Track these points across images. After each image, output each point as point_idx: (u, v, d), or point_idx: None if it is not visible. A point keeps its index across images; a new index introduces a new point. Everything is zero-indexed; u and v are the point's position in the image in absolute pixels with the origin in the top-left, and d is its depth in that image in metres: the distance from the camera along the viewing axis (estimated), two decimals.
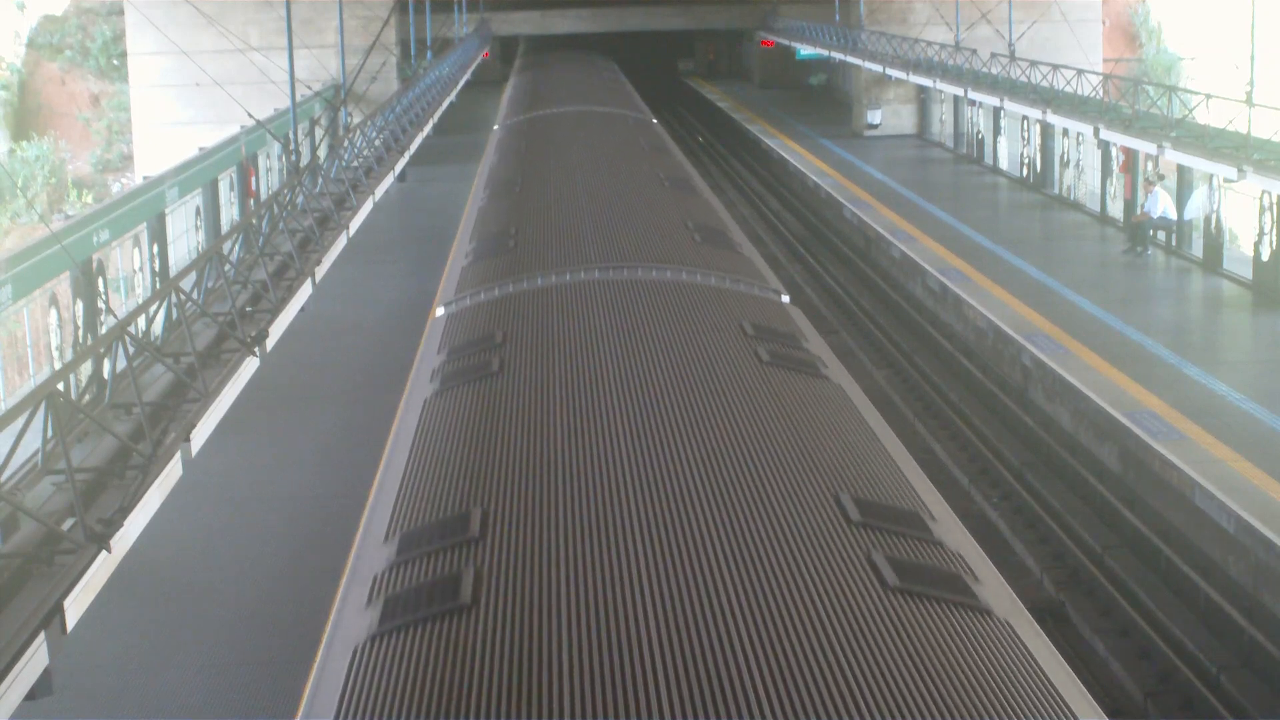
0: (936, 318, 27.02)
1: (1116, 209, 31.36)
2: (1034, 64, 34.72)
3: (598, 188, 17.52)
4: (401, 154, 26.85)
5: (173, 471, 9.42)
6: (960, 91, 37.72)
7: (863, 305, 29.46)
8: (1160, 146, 26.10)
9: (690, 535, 6.35)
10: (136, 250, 24.84)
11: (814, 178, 39.02)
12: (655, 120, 30.96)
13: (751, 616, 5.60)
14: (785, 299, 12.64)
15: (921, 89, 45.30)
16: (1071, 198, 34.21)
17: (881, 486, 7.51)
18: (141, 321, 11.85)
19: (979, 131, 41.19)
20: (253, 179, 34.05)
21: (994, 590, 6.60)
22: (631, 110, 30.97)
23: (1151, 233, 28.28)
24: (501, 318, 11.10)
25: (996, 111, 37.97)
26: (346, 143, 24.35)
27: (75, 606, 7.36)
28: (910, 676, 5.23)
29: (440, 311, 12.30)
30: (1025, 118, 35.81)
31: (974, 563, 6.86)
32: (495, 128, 29.85)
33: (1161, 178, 28.77)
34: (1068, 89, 32.64)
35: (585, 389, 8.72)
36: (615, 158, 21.16)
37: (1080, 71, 32.88)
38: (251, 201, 32.86)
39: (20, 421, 7.98)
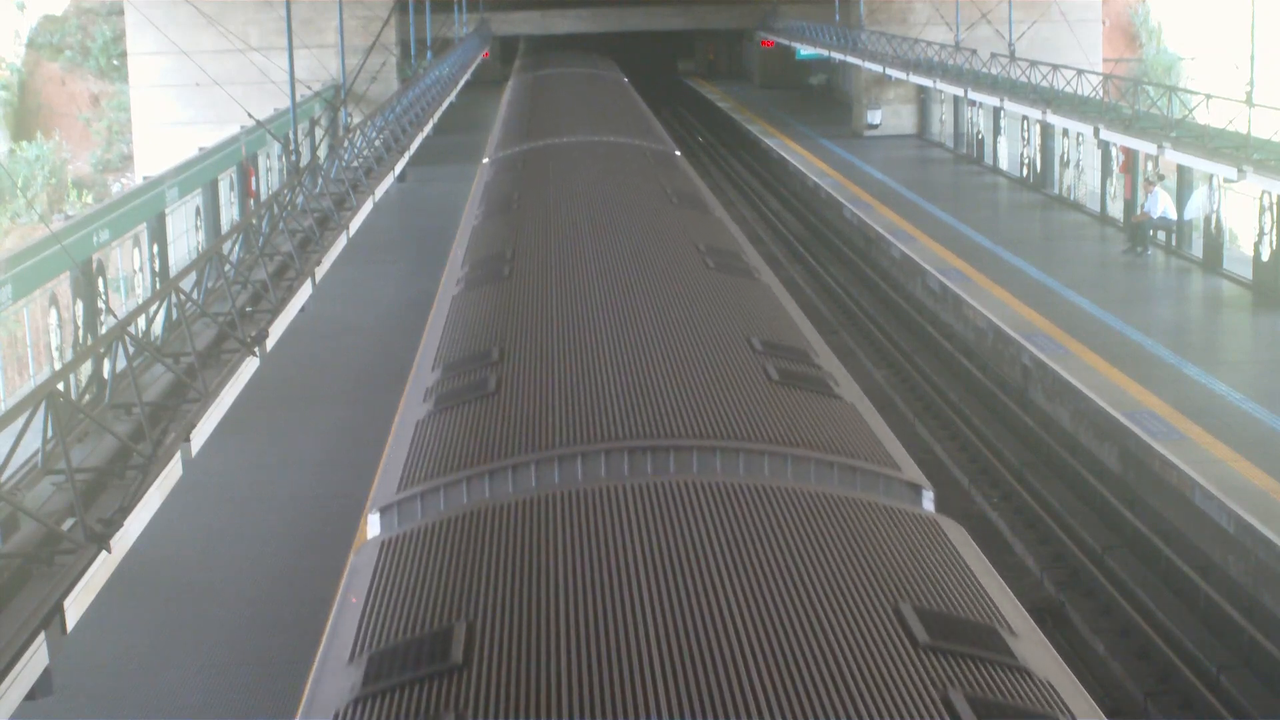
0: (936, 318, 27.03)
1: (1116, 209, 31.36)
2: (1034, 64, 34.72)
3: (618, 278, 11.74)
4: (401, 154, 26.86)
5: (173, 471, 9.42)
6: (960, 91, 37.72)
7: (863, 305, 29.46)
8: (1160, 146, 26.10)
9: None
10: (136, 250, 24.85)
11: (814, 178, 39.02)
12: (678, 151, 24.22)
13: None
14: (929, 500, 7.68)
15: (921, 89, 45.30)
16: (1071, 198, 34.21)
17: None
18: (141, 321, 11.85)
19: (979, 131, 41.19)
20: (253, 179, 34.06)
21: None
22: (649, 139, 23.80)
23: (1151, 233, 28.28)
24: (464, 579, 6.38)
25: (996, 111, 37.97)
26: (346, 143, 24.36)
27: (75, 606, 7.36)
28: None
29: (374, 527, 7.67)
30: (1025, 118, 35.81)
31: None
32: (484, 161, 22.92)
33: (1161, 178, 28.77)
34: (1068, 89, 32.64)
35: None
36: (637, 222, 14.81)
37: (1080, 71, 32.88)
38: (251, 201, 32.87)
39: (20, 421, 7.98)
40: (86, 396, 11.04)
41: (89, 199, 51.82)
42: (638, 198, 16.87)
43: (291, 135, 31.44)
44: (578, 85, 36.93)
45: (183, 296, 11.86)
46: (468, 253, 14.32)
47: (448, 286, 13.31)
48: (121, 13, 46.45)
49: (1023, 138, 37.40)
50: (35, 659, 6.82)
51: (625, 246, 13.27)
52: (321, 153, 26.80)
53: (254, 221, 16.85)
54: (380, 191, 22.88)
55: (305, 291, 15.53)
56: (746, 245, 15.05)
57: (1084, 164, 33.91)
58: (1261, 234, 24.79)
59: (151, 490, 8.87)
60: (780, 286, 13.16)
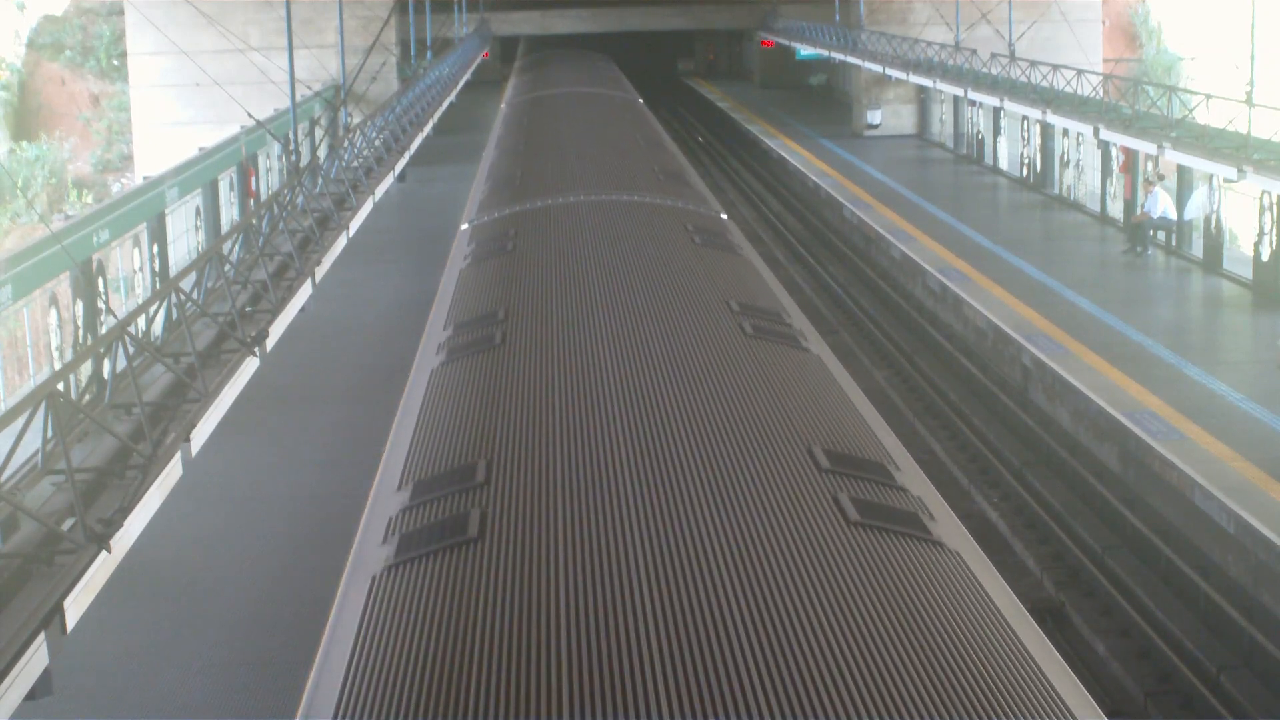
0: (936, 318, 27.03)
1: (1116, 209, 31.36)
2: (1034, 64, 34.72)
3: (675, 512, 6.49)
4: (401, 154, 26.86)
5: (173, 471, 9.43)
6: (960, 92, 37.72)
7: (863, 305, 29.47)
8: (1160, 146, 26.11)
9: None
10: (136, 250, 24.84)
11: (814, 178, 39.03)
12: (725, 215, 17.27)
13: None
14: None
15: (921, 89, 45.30)
16: (1071, 198, 34.21)
17: None
18: (141, 321, 11.85)
19: (979, 131, 41.20)
20: (253, 179, 34.06)
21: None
22: (683, 197, 17.03)
23: (1151, 233, 28.28)
24: None
25: (996, 111, 37.98)
26: (346, 143, 24.36)
27: (75, 606, 7.37)
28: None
29: None
30: (1025, 118, 35.81)
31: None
32: (463, 227, 16.30)
33: (1161, 178, 28.78)
34: (1068, 89, 32.65)
35: None
36: (698, 375, 8.84)
37: (1080, 72, 32.88)
38: (251, 201, 32.88)
39: (20, 421, 7.98)
40: (86, 396, 11.05)
41: (89, 199, 51.82)
42: (688, 318, 10.23)
43: (291, 135, 31.45)
44: (584, 112, 29.54)
45: (183, 296, 11.86)
46: (416, 442, 8.07)
47: (368, 538, 7.09)
48: (121, 13, 46.46)
49: (1023, 138, 37.40)
50: (35, 659, 6.82)
51: (681, 431, 7.50)
52: (321, 153, 26.81)
53: (254, 221, 16.85)
54: (380, 191, 22.88)
55: (305, 291, 15.53)
56: (880, 425, 8.67)
57: (1084, 164, 33.92)
58: (1261, 234, 24.79)
59: (151, 490, 8.87)
60: (974, 549, 6.89)
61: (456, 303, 11.71)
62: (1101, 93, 31.58)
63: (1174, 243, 28.18)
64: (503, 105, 35.37)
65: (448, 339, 10.44)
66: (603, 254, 12.80)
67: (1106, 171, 32.17)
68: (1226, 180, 25.21)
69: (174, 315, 12.28)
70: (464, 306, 11.40)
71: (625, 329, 9.76)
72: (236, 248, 15.77)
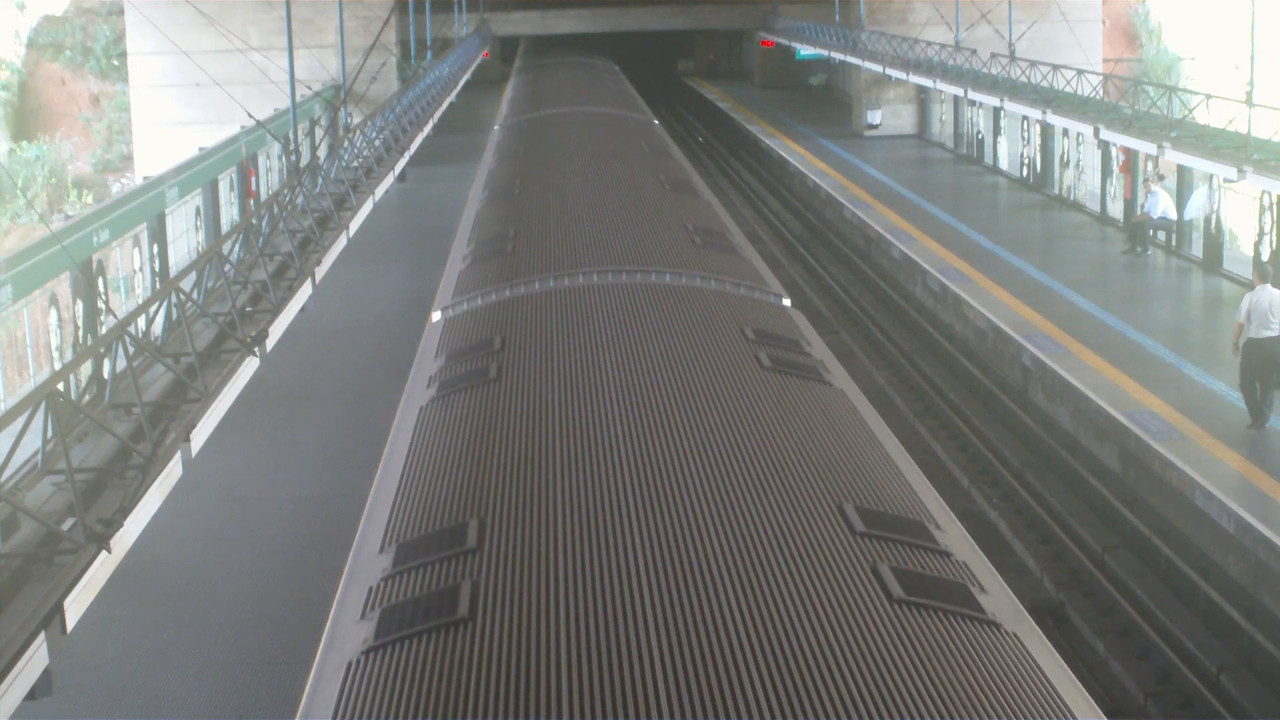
0: (936, 318, 27.03)
1: (1116, 209, 31.36)
2: (1034, 64, 34.73)
3: None
4: (401, 154, 26.87)
5: (173, 471, 9.43)
6: (960, 92, 37.72)
7: (863, 305, 29.47)
8: (1160, 146, 26.10)
9: None
10: (136, 250, 24.85)
11: (814, 178, 39.02)
12: (788, 300, 12.77)
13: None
14: None
15: (921, 89, 45.30)
16: (1071, 198, 34.21)
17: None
18: (141, 321, 11.86)
19: (979, 131, 41.20)
20: (253, 179, 34.07)
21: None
22: (737, 276, 12.73)
23: (1151, 233, 28.28)
24: None
25: (996, 111, 37.98)
26: (346, 143, 24.36)
27: (75, 606, 7.37)
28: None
29: None
30: (1025, 118, 35.81)
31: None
32: (435, 317, 12.19)
33: (1161, 178, 28.78)
34: (1068, 89, 32.66)
35: None
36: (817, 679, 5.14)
37: (1080, 72, 32.89)
38: (251, 201, 32.88)
39: (20, 421, 7.98)
40: (86, 396, 11.05)
41: (89, 199, 51.82)
42: (786, 553, 6.29)
43: (291, 135, 31.47)
44: (592, 142, 24.42)
45: (183, 296, 11.87)
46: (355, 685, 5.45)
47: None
48: (121, 13, 46.45)
49: (1023, 138, 37.40)
50: (35, 659, 6.82)
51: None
52: (321, 153, 26.81)
53: (254, 221, 16.86)
54: (380, 191, 22.89)
55: (305, 291, 15.54)
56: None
57: (1084, 164, 33.92)
58: (1261, 234, 24.79)
59: (151, 490, 8.87)
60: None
61: (409, 492, 7.72)
62: (1101, 93, 31.59)
63: (1174, 243, 28.17)
64: (495, 126, 30.22)
65: (383, 583, 6.46)
66: (631, 392, 8.73)
67: (1106, 171, 32.17)
68: (1226, 180, 25.20)
69: (174, 315, 12.29)
70: (417, 507, 7.40)
71: (678, 580, 5.94)
72: (236, 248, 15.77)
